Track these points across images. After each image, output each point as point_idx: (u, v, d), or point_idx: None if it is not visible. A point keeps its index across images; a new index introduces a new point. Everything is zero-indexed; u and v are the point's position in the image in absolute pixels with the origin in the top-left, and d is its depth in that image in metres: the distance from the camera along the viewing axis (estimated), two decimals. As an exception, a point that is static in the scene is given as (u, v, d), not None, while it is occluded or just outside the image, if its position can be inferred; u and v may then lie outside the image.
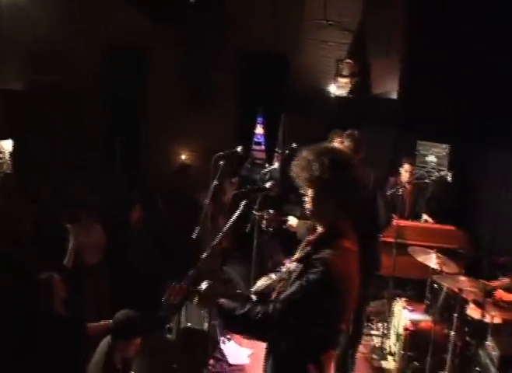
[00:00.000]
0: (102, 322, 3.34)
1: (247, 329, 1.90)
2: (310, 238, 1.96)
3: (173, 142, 7.61)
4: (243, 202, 2.46)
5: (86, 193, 5.11)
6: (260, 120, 7.64)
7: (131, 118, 7.47)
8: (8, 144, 6.28)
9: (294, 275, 1.87)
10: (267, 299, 1.92)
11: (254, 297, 2.09)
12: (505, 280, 4.08)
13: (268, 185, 3.32)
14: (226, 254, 5.20)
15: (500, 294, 3.84)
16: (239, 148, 4.16)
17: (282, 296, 1.83)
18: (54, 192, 5.29)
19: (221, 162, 4.00)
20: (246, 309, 1.82)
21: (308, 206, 1.92)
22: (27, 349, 3.10)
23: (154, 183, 6.75)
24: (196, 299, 1.95)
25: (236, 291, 3.23)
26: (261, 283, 2.11)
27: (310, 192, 1.90)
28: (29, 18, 6.33)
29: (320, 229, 1.94)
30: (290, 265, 2.00)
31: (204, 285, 1.94)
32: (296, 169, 1.91)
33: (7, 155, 6.21)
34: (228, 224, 2.37)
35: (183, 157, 7.63)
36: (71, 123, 6.86)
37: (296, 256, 1.99)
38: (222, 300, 1.90)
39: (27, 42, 6.59)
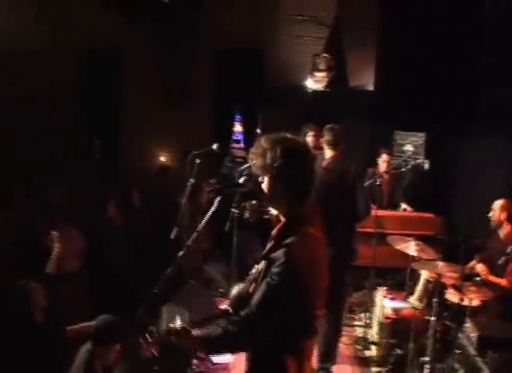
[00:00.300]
0: (82, 325, 3.31)
1: (230, 347, 1.93)
2: (273, 232, 1.97)
3: (152, 144, 7.56)
4: (218, 198, 2.46)
5: (62, 196, 5.05)
6: (237, 117, 7.61)
7: (108, 120, 7.40)
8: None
9: (262, 274, 1.87)
10: (245, 306, 1.88)
11: (230, 309, 2.05)
12: (473, 263, 4.14)
13: (241, 180, 3.32)
14: (206, 253, 5.18)
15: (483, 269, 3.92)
16: (214, 146, 4.12)
17: (254, 301, 1.82)
18: (29, 194, 5.21)
19: (197, 161, 3.96)
20: (222, 329, 1.82)
21: (265, 193, 1.94)
22: (5, 356, 3.07)
23: (132, 182, 6.67)
24: (174, 338, 1.91)
25: (210, 314, 3.18)
26: (236, 290, 2.08)
27: (265, 179, 1.92)
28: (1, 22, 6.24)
29: (282, 219, 1.94)
30: (259, 266, 1.99)
31: (178, 321, 1.93)
32: (253, 156, 1.94)
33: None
34: (203, 222, 2.37)
35: (162, 159, 7.59)
36: (48, 125, 6.77)
37: (264, 252, 1.98)
38: (197, 331, 1.89)
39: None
